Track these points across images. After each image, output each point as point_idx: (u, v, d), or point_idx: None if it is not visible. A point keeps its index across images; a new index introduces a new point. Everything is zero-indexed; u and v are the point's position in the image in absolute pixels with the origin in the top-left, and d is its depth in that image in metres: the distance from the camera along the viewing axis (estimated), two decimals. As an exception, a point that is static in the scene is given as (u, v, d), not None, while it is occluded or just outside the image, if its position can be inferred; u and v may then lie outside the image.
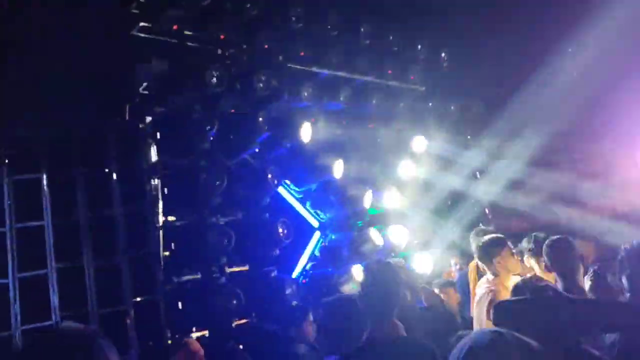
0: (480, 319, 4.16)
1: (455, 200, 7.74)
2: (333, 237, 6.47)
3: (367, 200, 6.40)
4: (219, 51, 5.39)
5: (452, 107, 7.98)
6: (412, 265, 6.61)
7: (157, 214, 4.82)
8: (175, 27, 4.99)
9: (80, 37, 4.54)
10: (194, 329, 4.74)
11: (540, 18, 7.19)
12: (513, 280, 4.66)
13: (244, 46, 5.57)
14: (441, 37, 7.46)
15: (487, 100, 8.00)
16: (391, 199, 6.76)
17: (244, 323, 5.05)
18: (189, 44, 5.14)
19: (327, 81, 6.29)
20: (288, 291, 5.15)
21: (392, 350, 2.89)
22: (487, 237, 4.56)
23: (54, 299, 4.32)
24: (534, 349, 1.56)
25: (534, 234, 4.83)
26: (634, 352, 2.49)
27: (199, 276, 4.93)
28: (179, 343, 4.09)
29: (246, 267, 5.36)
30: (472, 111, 8.10)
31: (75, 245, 4.50)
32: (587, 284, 4.01)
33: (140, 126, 4.88)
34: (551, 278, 4.05)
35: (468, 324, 4.76)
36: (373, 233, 6.29)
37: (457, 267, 6.71)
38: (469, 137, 8.16)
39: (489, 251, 4.42)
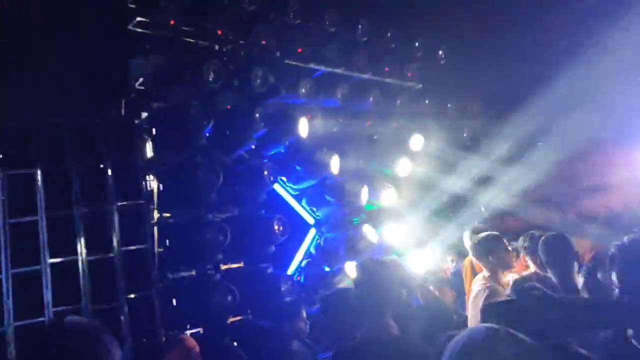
0: (476, 316, 4.17)
1: (452, 198, 7.73)
2: (329, 235, 6.46)
3: (364, 196, 6.40)
4: (216, 47, 5.35)
5: (449, 105, 7.97)
6: (408, 263, 6.61)
7: (152, 210, 4.81)
8: (172, 22, 4.95)
9: (76, 32, 4.52)
10: (188, 326, 4.72)
11: (539, 17, 7.19)
12: (509, 277, 4.69)
13: (241, 42, 5.54)
14: (439, 34, 7.45)
15: (485, 100, 8.01)
16: (388, 197, 6.75)
17: (239, 320, 5.03)
18: (186, 39, 5.12)
19: (325, 78, 6.27)
20: (283, 288, 5.14)
21: (386, 349, 2.88)
22: (483, 234, 4.58)
23: (47, 295, 4.29)
24: (527, 345, 1.56)
25: (530, 231, 4.84)
26: (625, 349, 2.49)
27: (193, 273, 4.92)
28: (174, 339, 4.06)
29: (241, 264, 5.34)
30: (470, 110, 8.11)
31: (69, 241, 4.46)
32: (580, 281, 4.02)
33: (136, 122, 4.84)
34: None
35: (463, 320, 4.76)
36: (369, 230, 6.28)
37: (454, 264, 6.72)
38: (465, 135, 8.16)
39: (485, 248, 4.45)
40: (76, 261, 4.46)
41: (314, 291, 5.71)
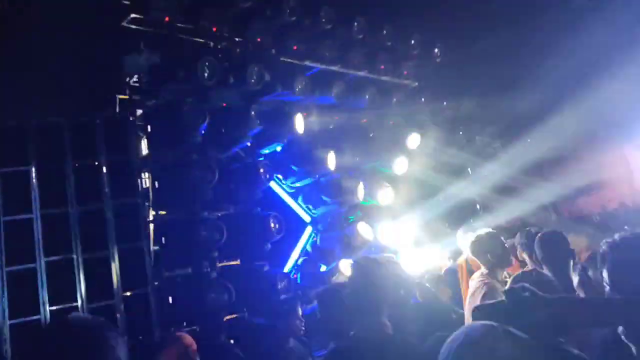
0: (473, 313, 4.17)
1: (448, 197, 7.74)
2: (324, 232, 6.45)
3: (360, 194, 6.39)
4: (211, 44, 5.34)
5: (445, 103, 7.98)
6: (404, 261, 6.60)
7: (148, 207, 4.79)
8: (166, 19, 4.93)
9: (70, 28, 4.49)
10: (184, 324, 4.71)
11: (536, 16, 7.20)
12: (506, 274, 4.69)
13: (237, 39, 5.53)
14: (435, 32, 7.45)
15: (481, 98, 8.02)
16: (384, 195, 6.74)
17: (234, 317, 5.02)
18: (181, 36, 5.09)
19: (320, 75, 6.26)
20: (279, 286, 5.13)
21: (378, 349, 2.86)
22: (480, 232, 4.59)
23: (43, 293, 4.27)
24: (525, 342, 1.56)
25: (527, 228, 4.86)
26: (620, 348, 2.49)
27: (189, 271, 4.91)
28: (171, 337, 4.05)
29: (237, 262, 5.33)
30: (465, 108, 8.12)
31: (64, 238, 4.44)
32: (575, 279, 4.03)
33: (131, 119, 4.83)
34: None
35: (460, 318, 4.76)
36: (364, 228, 6.28)
37: (451, 262, 6.72)
38: (461, 133, 8.17)
39: (483, 246, 4.45)
40: (71, 259, 4.44)
41: (310, 289, 5.70)
